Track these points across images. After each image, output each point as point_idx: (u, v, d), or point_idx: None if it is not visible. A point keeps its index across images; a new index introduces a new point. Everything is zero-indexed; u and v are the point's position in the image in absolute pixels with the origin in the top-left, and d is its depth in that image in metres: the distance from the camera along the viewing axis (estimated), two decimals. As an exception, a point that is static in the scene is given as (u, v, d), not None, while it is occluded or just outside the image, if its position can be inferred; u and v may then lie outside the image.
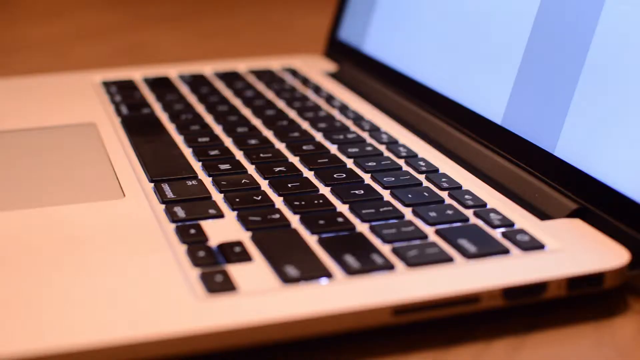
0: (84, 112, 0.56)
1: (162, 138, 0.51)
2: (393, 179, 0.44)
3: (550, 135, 0.44)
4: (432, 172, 0.46)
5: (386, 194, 0.43)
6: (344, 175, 0.45)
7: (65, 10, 1.00)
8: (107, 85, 0.62)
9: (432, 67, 0.56)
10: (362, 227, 0.39)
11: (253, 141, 0.50)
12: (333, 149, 0.49)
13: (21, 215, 0.40)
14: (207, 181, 0.44)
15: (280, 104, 0.58)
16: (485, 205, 0.42)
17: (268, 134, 0.52)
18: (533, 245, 0.38)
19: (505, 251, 0.37)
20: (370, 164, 0.46)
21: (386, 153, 0.49)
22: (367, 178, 0.45)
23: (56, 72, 0.66)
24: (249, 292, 0.34)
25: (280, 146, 0.50)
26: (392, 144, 0.50)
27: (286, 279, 0.35)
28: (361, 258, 0.36)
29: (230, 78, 0.63)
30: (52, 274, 0.35)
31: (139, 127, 0.53)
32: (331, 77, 0.65)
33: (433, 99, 0.54)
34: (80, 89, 0.61)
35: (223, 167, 0.46)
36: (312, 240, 0.38)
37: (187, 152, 0.49)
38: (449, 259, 0.36)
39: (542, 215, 0.41)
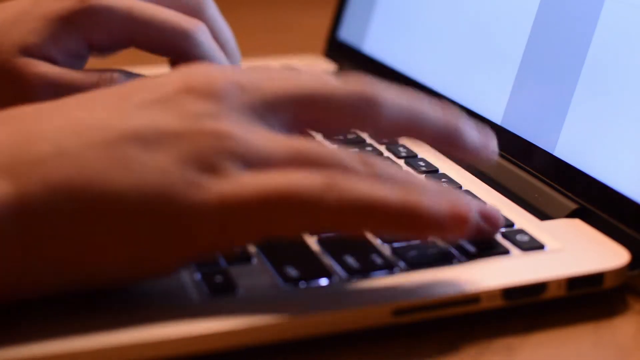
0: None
1: (162, 138, 0.51)
2: (393, 179, 0.44)
3: (550, 135, 0.44)
4: (432, 172, 0.46)
5: (386, 194, 0.43)
6: (344, 175, 0.45)
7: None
8: (107, 85, 0.61)
9: (431, 67, 0.56)
10: (362, 228, 0.39)
11: (253, 141, 0.50)
12: (333, 149, 0.49)
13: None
14: (207, 181, 0.44)
15: (280, 104, 0.57)
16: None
17: (268, 134, 0.52)
18: (533, 245, 0.38)
19: (505, 251, 0.37)
20: (370, 164, 0.46)
21: (386, 153, 0.49)
22: (367, 178, 0.45)
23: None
24: (249, 293, 0.34)
25: (280, 146, 0.49)
26: (392, 144, 0.50)
27: (286, 279, 0.35)
28: (361, 258, 0.36)
29: (230, 78, 0.63)
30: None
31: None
32: (331, 77, 0.65)
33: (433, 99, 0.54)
34: (80, 90, 0.61)
35: (223, 167, 0.46)
36: (312, 240, 0.38)
37: (187, 152, 0.48)
38: (448, 259, 0.36)
39: (542, 215, 0.41)
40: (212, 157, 0.31)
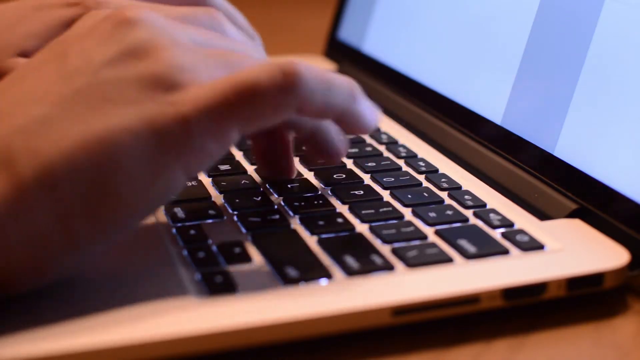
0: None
1: (162, 139, 0.51)
2: (393, 179, 0.44)
3: (550, 135, 0.44)
4: (431, 172, 0.46)
5: (386, 195, 0.43)
6: (344, 175, 0.45)
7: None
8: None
9: (431, 67, 0.56)
10: (362, 228, 0.39)
11: (253, 142, 0.50)
12: (333, 149, 0.49)
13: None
14: (207, 182, 0.44)
15: (280, 105, 0.57)
16: (484, 205, 0.42)
17: (268, 134, 0.52)
18: (533, 245, 0.38)
19: (505, 251, 0.37)
20: (370, 164, 0.46)
21: (386, 153, 0.49)
22: (367, 178, 0.45)
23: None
24: (249, 293, 0.34)
25: (280, 146, 0.49)
26: (392, 144, 0.50)
27: (286, 280, 0.35)
28: (361, 259, 0.36)
29: (230, 78, 0.63)
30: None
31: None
32: (331, 77, 0.65)
33: (433, 99, 0.54)
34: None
35: (223, 167, 0.46)
36: (312, 240, 0.38)
37: (187, 152, 0.48)
38: (448, 260, 0.36)
39: (542, 215, 0.41)
40: (167, 74, 0.33)
